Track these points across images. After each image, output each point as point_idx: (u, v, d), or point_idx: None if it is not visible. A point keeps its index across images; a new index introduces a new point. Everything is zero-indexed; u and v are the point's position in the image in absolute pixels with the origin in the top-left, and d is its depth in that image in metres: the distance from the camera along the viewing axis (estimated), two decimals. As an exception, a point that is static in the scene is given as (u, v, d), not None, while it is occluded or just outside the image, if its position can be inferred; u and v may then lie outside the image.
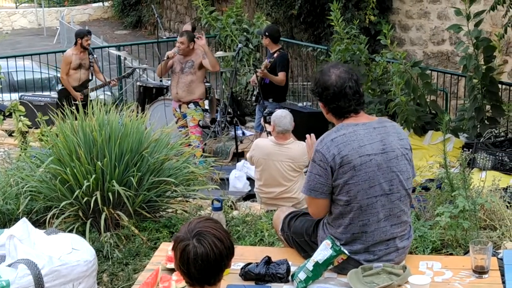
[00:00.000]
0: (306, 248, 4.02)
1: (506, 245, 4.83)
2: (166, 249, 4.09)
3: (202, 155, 9.25)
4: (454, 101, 10.80)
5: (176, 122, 9.23)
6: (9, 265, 3.68)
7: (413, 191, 5.78)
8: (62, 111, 5.88)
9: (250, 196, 7.70)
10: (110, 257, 5.22)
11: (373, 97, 10.07)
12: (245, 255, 4.02)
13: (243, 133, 10.73)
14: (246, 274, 3.71)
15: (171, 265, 3.81)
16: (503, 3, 7.87)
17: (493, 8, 7.88)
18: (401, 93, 8.99)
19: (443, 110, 9.59)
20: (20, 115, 6.86)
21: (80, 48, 10.34)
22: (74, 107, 5.99)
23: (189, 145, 8.87)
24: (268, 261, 3.74)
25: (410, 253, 4.87)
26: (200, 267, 2.83)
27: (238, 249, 4.17)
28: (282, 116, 6.65)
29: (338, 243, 3.67)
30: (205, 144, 9.78)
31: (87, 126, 5.64)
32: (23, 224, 4.00)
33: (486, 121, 8.78)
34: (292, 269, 3.76)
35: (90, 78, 10.59)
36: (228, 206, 6.15)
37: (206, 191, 6.15)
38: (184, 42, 8.98)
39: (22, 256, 3.71)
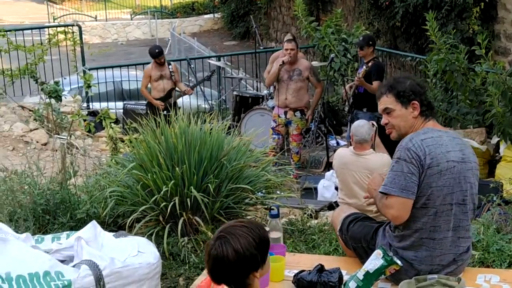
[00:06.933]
0: (363, 255, 4.00)
1: None
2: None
3: (299, 159, 9.45)
4: None
5: (274, 128, 9.39)
6: (74, 266, 3.85)
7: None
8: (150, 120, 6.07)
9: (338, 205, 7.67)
10: (187, 261, 5.34)
11: (471, 108, 9.85)
12: (301, 262, 4.05)
13: (337, 143, 10.70)
14: (298, 281, 3.74)
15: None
16: None
17: None
18: (499, 104, 8.74)
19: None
20: (110, 122, 7.11)
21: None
22: (163, 117, 6.17)
23: (276, 153, 9.02)
24: (320, 269, 3.76)
25: (487, 266, 4.76)
26: (213, 267, 2.92)
27: (295, 257, 4.23)
28: (359, 126, 6.54)
29: (390, 253, 3.63)
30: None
31: (168, 133, 5.80)
32: (92, 227, 4.17)
33: None
34: (345, 278, 3.76)
35: (174, 87, 10.89)
36: (307, 215, 6.18)
37: (285, 199, 6.19)
38: (294, 48, 9.19)
39: (86, 257, 3.87)
